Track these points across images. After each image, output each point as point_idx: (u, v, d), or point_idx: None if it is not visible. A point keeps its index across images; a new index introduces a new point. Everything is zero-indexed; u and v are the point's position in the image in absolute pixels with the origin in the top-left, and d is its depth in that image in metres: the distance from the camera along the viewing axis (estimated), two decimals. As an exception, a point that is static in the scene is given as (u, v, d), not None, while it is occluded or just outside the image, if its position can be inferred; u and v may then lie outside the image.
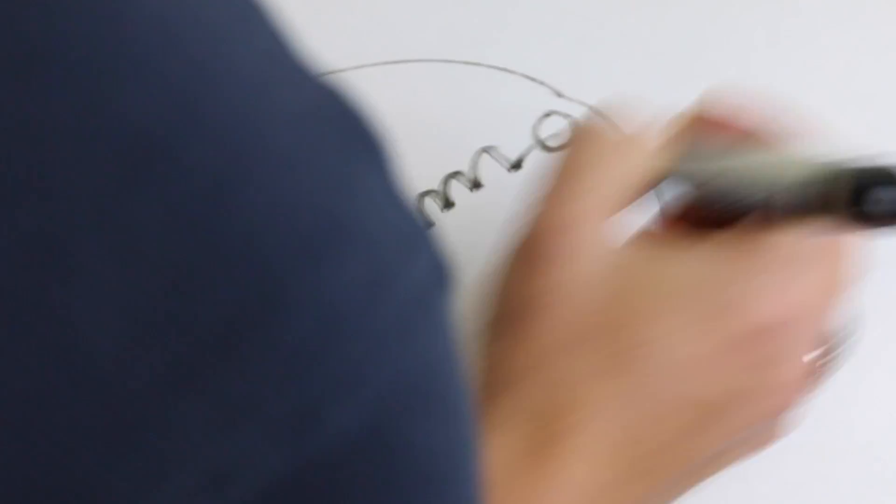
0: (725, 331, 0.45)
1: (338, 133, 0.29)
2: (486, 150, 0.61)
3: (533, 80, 0.63)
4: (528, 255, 0.46)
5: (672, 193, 0.49)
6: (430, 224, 0.30)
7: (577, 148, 0.47)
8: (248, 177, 0.26)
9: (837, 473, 0.52)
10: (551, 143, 0.61)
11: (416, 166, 0.60)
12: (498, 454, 0.44)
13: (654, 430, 0.45)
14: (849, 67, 0.63)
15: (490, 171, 0.60)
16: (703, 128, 0.49)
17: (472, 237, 0.58)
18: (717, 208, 0.48)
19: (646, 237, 0.48)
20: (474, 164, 0.60)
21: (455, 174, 0.60)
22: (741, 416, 0.47)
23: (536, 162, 0.60)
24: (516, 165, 0.60)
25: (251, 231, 0.26)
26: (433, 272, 0.29)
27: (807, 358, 0.48)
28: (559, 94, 0.62)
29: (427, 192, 0.59)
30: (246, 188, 0.26)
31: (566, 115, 0.61)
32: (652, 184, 0.48)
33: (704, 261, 0.46)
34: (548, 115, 0.60)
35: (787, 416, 0.49)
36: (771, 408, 0.47)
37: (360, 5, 0.65)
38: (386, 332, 0.27)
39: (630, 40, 0.64)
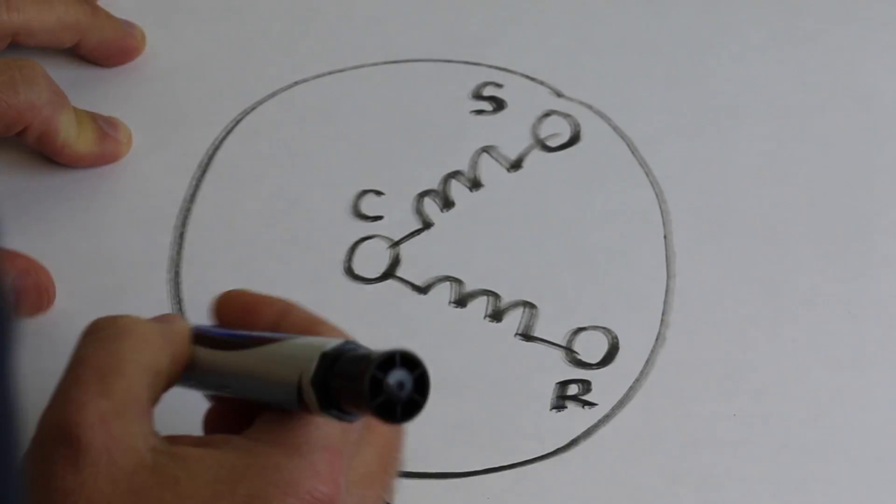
0: None
1: None
2: (485, 149, 0.61)
3: (533, 79, 0.63)
4: (58, 448, 0.44)
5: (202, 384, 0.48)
6: None
7: (107, 339, 0.46)
8: None
9: (837, 473, 0.52)
10: (551, 143, 0.61)
11: (416, 166, 0.60)
12: None
13: None
14: (849, 67, 0.63)
15: (490, 170, 0.60)
16: (224, 319, 0.49)
17: (472, 237, 0.58)
18: (242, 401, 0.47)
19: (176, 436, 0.46)
20: (474, 164, 0.60)
21: (455, 174, 0.60)
22: None
23: (536, 162, 0.60)
24: (516, 165, 0.60)
25: None
26: None
27: None
28: (559, 94, 0.62)
29: (427, 192, 0.59)
30: None
31: (566, 115, 0.61)
32: (179, 375, 0.47)
33: (227, 456, 0.44)
34: (547, 114, 0.60)
35: None
36: None
37: (360, 5, 0.65)
38: None
39: (630, 40, 0.64)
